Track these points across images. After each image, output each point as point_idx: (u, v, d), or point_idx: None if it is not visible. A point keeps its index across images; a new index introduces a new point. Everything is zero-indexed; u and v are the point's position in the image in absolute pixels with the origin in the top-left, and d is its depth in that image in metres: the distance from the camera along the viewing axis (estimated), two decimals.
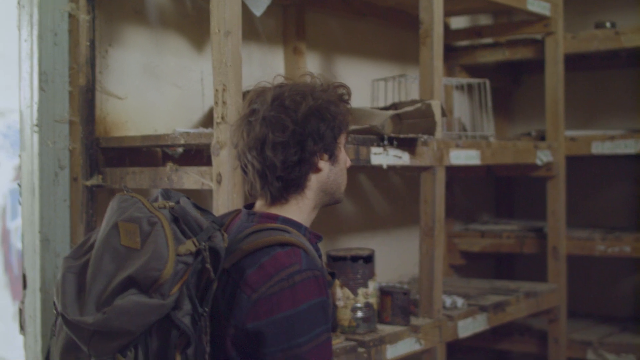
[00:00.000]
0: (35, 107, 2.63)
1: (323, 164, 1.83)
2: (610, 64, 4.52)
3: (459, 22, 4.51)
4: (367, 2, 3.74)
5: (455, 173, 4.27)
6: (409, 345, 2.92)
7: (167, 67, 3.02)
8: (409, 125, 2.87)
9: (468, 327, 3.25)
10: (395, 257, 4.01)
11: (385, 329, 2.87)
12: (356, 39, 3.88)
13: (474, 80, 3.90)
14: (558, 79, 3.96)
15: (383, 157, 2.80)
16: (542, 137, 4.08)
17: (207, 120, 3.12)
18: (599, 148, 3.98)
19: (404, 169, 3.03)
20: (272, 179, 1.78)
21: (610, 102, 4.64)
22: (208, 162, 2.40)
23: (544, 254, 4.01)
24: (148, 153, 2.86)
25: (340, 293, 2.76)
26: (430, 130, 2.89)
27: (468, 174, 4.36)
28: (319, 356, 1.65)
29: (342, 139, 1.87)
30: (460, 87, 4.28)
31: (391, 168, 2.90)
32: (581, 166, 4.44)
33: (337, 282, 2.74)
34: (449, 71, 4.43)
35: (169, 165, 2.54)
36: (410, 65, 4.07)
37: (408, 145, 2.92)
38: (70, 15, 2.69)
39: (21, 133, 2.69)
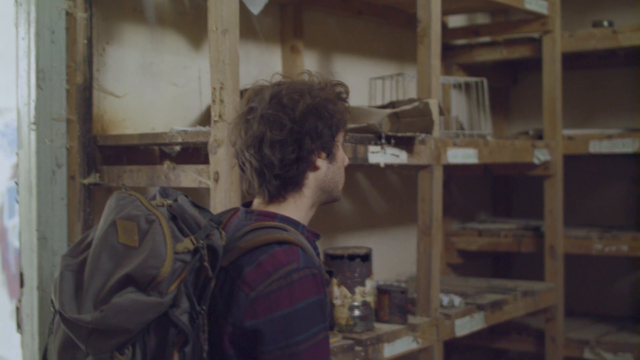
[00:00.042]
0: (32, 105, 2.63)
1: (321, 162, 1.83)
2: (608, 63, 4.53)
3: (456, 21, 4.51)
4: (365, 1, 3.74)
5: (452, 172, 4.28)
6: (406, 343, 2.92)
7: (165, 65, 3.02)
8: (407, 124, 2.87)
9: (465, 326, 3.25)
10: (393, 256, 4.01)
11: (382, 328, 2.87)
12: (354, 37, 3.88)
13: (472, 79, 3.90)
14: (555, 78, 3.96)
15: (380, 155, 2.80)
16: (539, 136, 4.08)
17: (205, 119, 3.12)
18: (597, 147, 3.98)
19: (401, 167, 3.04)
20: (270, 177, 1.78)
21: (607, 101, 4.64)
22: (205, 161, 2.40)
23: (542, 252, 4.02)
24: (145, 151, 2.86)
25: (338, 292, 2.76)
26: (428, 129, 2.89)
27: (465, 173, 4.36)
28: (317, 355, 1.65)
29: (340, 137, 1.87)
30: (458, 86, 4.28)
31: (389, 167, 2.90)
32: (579, 165, 4.45)
33: (334, 280, 2.74)
34: (447, 70, 4.43)
35: (167, 164, 2.54)
36: (407, 64, 4.07)
37: (405, 143, 2.92)
38: (68, 13, 2.69)
39: (18, 131, 2.69)
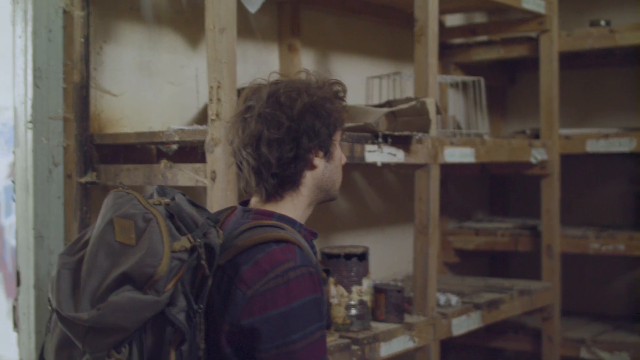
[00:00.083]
0: (29, 103, 2.62)
1: (318, 161, 1.82)
2: (605, 62, 4.54)
3: (453, 20, 4.52)
4: (362, 0, 3.74)
5: (449, 171, 4.28)
6: (402, 342, 2.93)
7: (162, 64, 3.01)
8: (404, 123, 2.88)
9: (462, 325, 3.25)
10: (390, 255, 4.01)
11: (379, 327, 2.87)
12: (351, 36, 3.88)
13: (469, 78, 3.90)
14: (553, 77, 3.96)
15: (377, 154, 2.80)
16: (536, 135, 4.09)
17: (202, 118, 3.11)
18: (594, 146, 3.99)
19: (398, 166, 3.04)
20: (267, 176, 1.78)
21: (604, 100, 4.65)
22: (202, 159, 2.39)
23: (538, 252, 4.02)
24: (142, 150, 2.85)
25: (334, 290, 2.76)
26: (425, 128, 2.89)
27: (462, 172, 4.36)
28: (313, 353, 1.65)
29: (337, 136, 1.87)
30: (455, 85, 4.29)
31: (386, 165, 2.90)
32: (575, 164, 4.45)
33: (331, 279, 2.74)
34: (444, 69, 4.43)
35: (164, 163, 2.53)
36: (405, 63, 4.07)
37: (402, 142, 2.92)
38: (65, 12, 2.68)
39: (15, 130, 2.68)
